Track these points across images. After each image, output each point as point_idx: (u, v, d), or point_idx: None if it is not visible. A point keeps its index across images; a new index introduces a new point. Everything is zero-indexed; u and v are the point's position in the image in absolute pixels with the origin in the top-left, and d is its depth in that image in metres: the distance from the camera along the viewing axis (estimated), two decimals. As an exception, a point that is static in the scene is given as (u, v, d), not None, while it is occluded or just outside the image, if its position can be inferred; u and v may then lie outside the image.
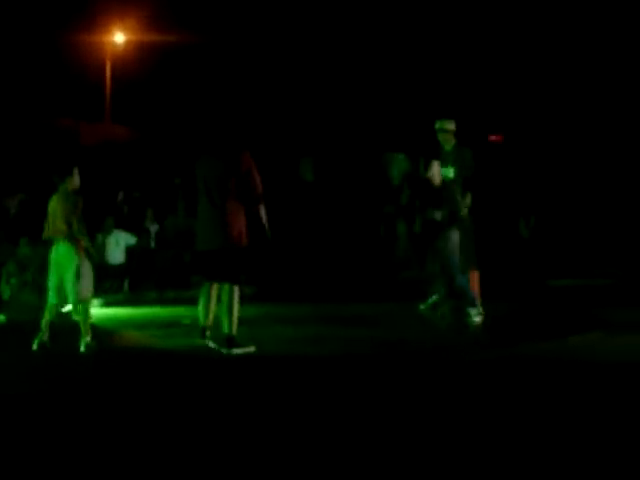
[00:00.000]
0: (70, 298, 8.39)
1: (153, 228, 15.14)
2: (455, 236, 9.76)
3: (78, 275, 8.25)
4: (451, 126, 10.39)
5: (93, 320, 8.70)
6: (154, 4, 25.85)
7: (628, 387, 5.80)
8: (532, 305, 11.16)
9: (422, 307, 10.31)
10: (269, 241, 7.95)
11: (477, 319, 9.76)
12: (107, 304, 11.82)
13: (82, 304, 8.32)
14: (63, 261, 8.29)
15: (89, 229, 12.79)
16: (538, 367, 6.62)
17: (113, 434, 4.87)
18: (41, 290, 11.08)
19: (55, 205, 8.34)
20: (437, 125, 10.40)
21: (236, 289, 7.79)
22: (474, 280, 10.27)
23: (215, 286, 8.00)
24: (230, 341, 7.70)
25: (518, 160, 17.84)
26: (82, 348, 8.16)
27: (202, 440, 4.68)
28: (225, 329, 7.74)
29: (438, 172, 10.06)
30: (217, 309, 8.04)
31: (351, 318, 10.14)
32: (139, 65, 26.21)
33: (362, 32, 23.87)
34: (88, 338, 8.21)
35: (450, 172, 10.24)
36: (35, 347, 8.25)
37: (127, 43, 27.45)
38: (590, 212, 16.54)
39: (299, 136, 20.31)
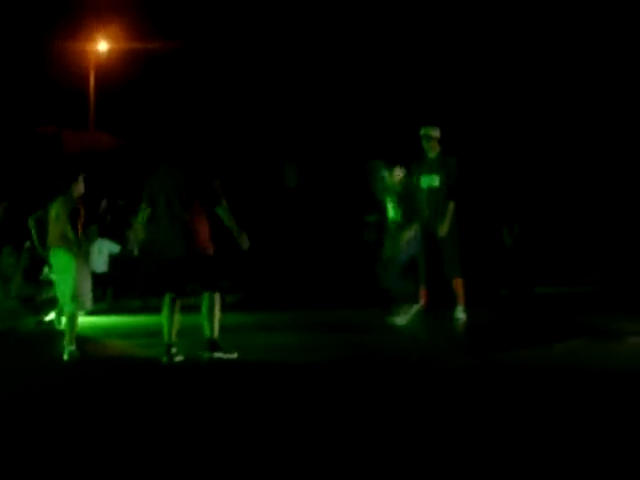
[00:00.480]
0: (65, 304, 8.36)
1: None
2: (407, 237, 10.01)
3: (77, 283, 8.24)
4: (436, 133, 10.42)
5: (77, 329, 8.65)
6: (137, 12, 25.83)
7: (612, 394, 5.81)
8: (516, 313, 11.19)
9: (393, 319, 10.33)
10: (245, 244, 7.83)
11: (399, 321, 9.84)
12: (90, 313, 11.76)
13: (73, 313, 8.27)
14: (62, 268, 8.27)
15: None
16: (522, 374, 6.63)
17: (92, 444, 4.84)
18: (25, 300, 11.06)
19: (57, 211, 8.34)
20: (422, 132, 10.42)
21: (217, 295, 7.74)
22: (458, 287, 10.32)
23: (179, 300, 7.85)
24: (212, 345, 7.66)
25: (501, 168, 17.89)
26: (65, 356, 8.12)
27: (181, 449, 4.66)
28: (207, 333, 7.70)
29: (399, 178, 10.16)
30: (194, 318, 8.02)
31: (335, 325, 10.13)
32: (123, 73, 26.17)
33: (358, 35, 23.89)
34: (72, 347, 8.16)
35: (435, 180, 10.28)
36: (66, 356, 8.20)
37: (111, 51, 27.41)
38: (573, 220, 16.61)
39: (283, 142, 20.31)
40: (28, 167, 19.41)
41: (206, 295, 7.73)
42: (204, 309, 7.72)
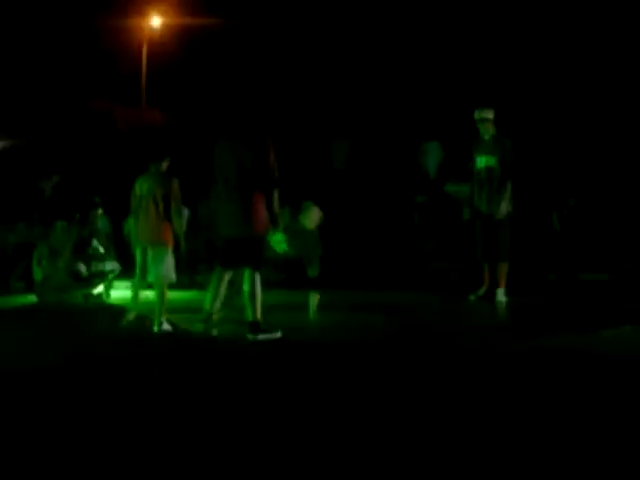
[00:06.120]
0: (151, 277, 8.49)
1: (185, 212, 15.13)
2: None
3: (165, 256, 8.37)
4: (490, 115, 10.37)
5: (123, 302, 8.75)
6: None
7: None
8: (563, 298, 11.08)
9: (472, 297, 10.32)
10: (277, 229, 7.83)
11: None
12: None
13: (162, 285, 8.41)
14: (152, 242, 8.42)
15: (123, 214, 12.84)
16: (568, 360, 6.56)
17: (121, 418, 4.90)
18: (74, 274, 11.20)
19: (149, 186, 8.46)
20: (476, 115, 10.39)
21: (257, 275, 7.72)
22: (503, 270, 10.31)
23: (227, 273, 7.93)
24: (255, 326, 7.67)
25: (553, 151, 17.69)
26: (155, 328, 8.29)
27: (210, 428, 4.69)
28: (249, 316, 7.70)
29: None
30: (237, 298, 8.08)
31: (380, 306, 10.11)
32: (175, 49, 26.29)
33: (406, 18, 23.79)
34: (163, 319, 8.33)
35: (492, 160, 10.25)
36: (124, 323, 8.49)
37: (163, 27, 27.54)
38: (622, 207, 16.37)
39: (333, 122, 20.27)
40: (81, 142, 19.61)
41: (247, 274, 7.71)
42: (246, 289, 7.71)
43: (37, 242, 11.74)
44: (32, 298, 11.24)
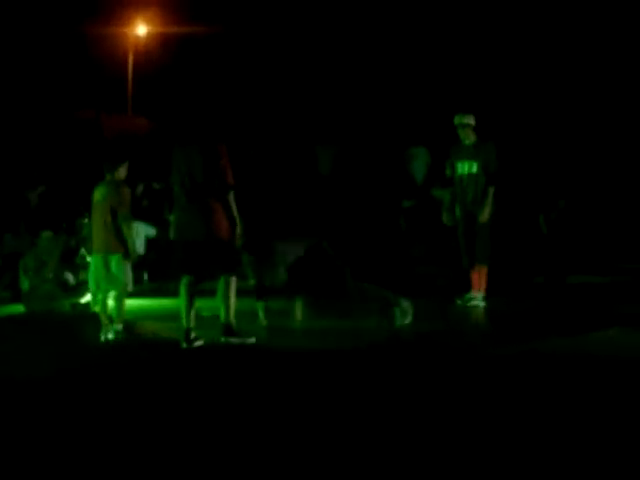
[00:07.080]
0: (110, 286, 8.45)
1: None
2: None
3: (122, 265, 8.33)
4: (470, 120, 10.36)
5: (111, 312, 8.72)
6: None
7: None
8: (551, 301, 11.08)
9: (459, 302, 10.30)
10: (239, 235, 7.66)
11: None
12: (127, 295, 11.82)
13: (121, 293, 8.37)
14: (108, 251, 8.35)
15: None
16: (556, 363, 6.58)
17: (111, 426, 4.88)
18: (61, 283, 11.15)
19: (103, 194, 8.41)
20: (456, 120, 10.37)
21: (232, 279, 7.66)
22: (482, 274, 10.28)
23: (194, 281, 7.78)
24: (227, 329, 7.62)
25: (539, 153, 17.73)
26: (111, 335, 8.23)
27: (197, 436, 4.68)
28: (222, 318, 7.65)
29: None
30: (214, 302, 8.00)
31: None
32: (161, 57, 26.30)
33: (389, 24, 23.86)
34: (120, 326, 8.32)
35: (474, 166, 10.22)
36: (102, 339, 8.33)
37: (149, 35, 27.53)
38: (609, 208, 16.42)
39: (318, 127, 20.28)
40: (67, 151, 19.56)
41: (222, 278, 7.65)
42: (220, 293, 7.65)
43: (24, 252, 11.68)
44: (19, 308, 11.17)
